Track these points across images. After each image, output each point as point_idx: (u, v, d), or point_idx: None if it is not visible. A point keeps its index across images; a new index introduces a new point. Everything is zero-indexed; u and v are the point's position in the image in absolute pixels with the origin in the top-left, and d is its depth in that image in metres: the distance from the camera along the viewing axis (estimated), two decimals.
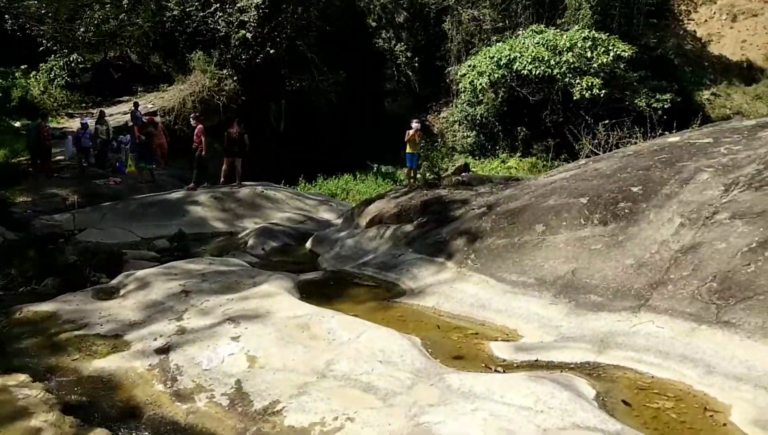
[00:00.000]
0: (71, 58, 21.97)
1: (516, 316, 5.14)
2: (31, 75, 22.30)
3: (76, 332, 4.91)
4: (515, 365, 4.32)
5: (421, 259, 6.45)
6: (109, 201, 11.82)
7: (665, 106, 21.04)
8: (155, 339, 4.64)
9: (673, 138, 8.18)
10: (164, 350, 4.44)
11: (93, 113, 20.19)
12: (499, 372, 4.15)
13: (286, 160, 21.64)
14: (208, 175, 14.12)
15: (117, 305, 5.51)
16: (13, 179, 13.02)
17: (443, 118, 27.93)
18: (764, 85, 26.86)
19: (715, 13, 30.27)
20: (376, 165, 23.19)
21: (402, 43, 28.82)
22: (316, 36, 24.08)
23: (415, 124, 15.12)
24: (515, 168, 21.62)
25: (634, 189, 6.24)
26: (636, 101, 21.70)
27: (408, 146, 14.85)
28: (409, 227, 7.26)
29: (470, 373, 3.99)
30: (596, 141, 15.06)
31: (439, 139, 26.41)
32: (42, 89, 22.21)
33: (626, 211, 5.94)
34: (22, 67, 22.02)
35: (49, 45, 20.45)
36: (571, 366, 4.18)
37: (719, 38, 29.55)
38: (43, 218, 10.37)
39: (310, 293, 5.84)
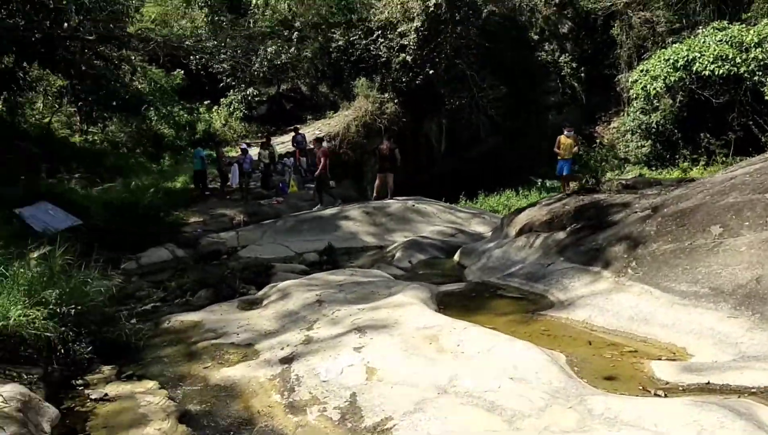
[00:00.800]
0: (248, 92, 23.84)
1: (685, 332, 4.37)
2: (213, 109, 24.54)
3: (213, 341, 4.99)
4: (681, 388, 3.60)
5: (573, 269, 5.83)
6: (271, 220, 12.44)
7: None
8: (282, 348, 4.57)
9: None
10: (288, 360, 4.34)
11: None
12: (659, 396, 3.49)
13: (448, 177, 21.52)
14: (337, 194, 14.56)
15: (256, 315, 5.59)
16: (189, 202, 14.28)
17: (614, 128, 26.26)
18: None
19: None
20: (540, 180, 22.30)
21: (567, 54, 27.63)
22: (476, 53, 23.86)
23: (567, 131, 14.05)
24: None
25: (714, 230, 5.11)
26: None
27: (559, 154, 13.79)
28: (561, 235, 6.65)
29: (619, 396, 3.38)
30: None
31: (610, 151, 24.80)
32: (223, 122, 24.35)
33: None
34: (206, 102, 24.30)
35: (228, 81, 22.43)
36: (753, 390, 3.39)
37: None
38: (211, 236, 11.13)
39: (448, 305, 5.51)
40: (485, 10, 24.19)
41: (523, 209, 8.36)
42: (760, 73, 19.55)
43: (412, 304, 5.01)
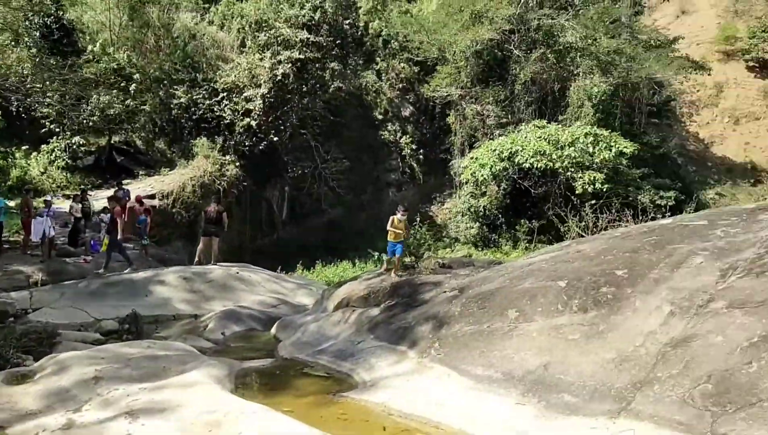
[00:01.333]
0: (73, 141, 22.06)
1: (476, 418, 4.40)
2: (32, 156, 22.37)
3: None
4: None
5: (381, 348, 5.77)
6: (74, 280, 11.26)
7: (669, 204, 20.66)
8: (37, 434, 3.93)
9: (666, 220, 7.62)
10: None
11: (91, 195, 20.01)
12: None
13: (291, 245, 21.18)
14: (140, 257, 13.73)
15: (22, 391, 4.82)
16: None
17: (447, 209, 27.70)
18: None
19: (717, 115, 30.48)
20: (377, 253, 22.68)
21: (408, 135, 29.07)
22: (321, 125, 24.31)
23: (400, 214, 14.46)
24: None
25: (619, 272, 5.65)
26: (639, 197, 21.31)
27: (390, 234, 14.08)
28: (375, 311, 6.62)
29: None
30: (583, 223, 13.96)
31: (442, 229, 26.06)
32: (42, 170, 22.18)
33: (609, 296, 5.32)
34: (24, 147, 22.11)
35: (52, 127, 20.64)
36: None
37: (722, 140, 29.58)
38: None
39: (248, 384, 5.15)
40: (332, 85, 24.88)
41: (345, 283, 8.29)
42: (573, 170, 21.82)
43: (204, 383, 4.59)
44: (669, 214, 17.31)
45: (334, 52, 24.56)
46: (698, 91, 30.71)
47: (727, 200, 25.64)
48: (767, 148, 28.79)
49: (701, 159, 28.32)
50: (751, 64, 31.68)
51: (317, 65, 23.66)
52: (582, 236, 9.46)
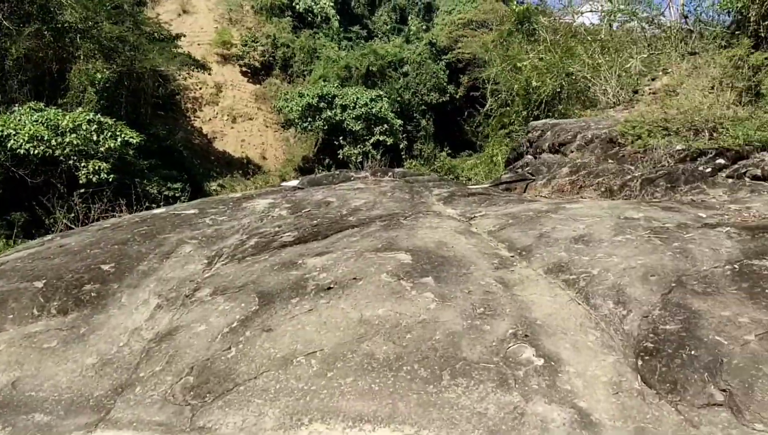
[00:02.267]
0: None
1: None
2: None
3: None
4: None
5: None
6: None
7: (176, 195, 21.52)
8: None
9: (159, 210, 7.92)
10: None
11: None
12: None
13: None
14: None
15: None
16: None
17: None
18: (261, 179, 30.33)
19: (218, 113, 33.13)
20: None
21: None
22: None
23: None
24: None
25: (106, 267, 5.55)
26: (148, 188, 21.53)
27: None
28: None
29: None
30: (73, 215, 13.00)
31: None
32: None
33: (93, 295, 5.14)
34: None
35: None
36: None
37: (222, 136, 32.31)
38: None
39: None
40: None
41: None
42: (75, 158, 20.44)
43: None
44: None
45: None
46: (201, 88, 32.73)
47: (228, 191, 28.19)
48: (259, 145, 32.76)
49: (205, 153, 30.32)
50: (244, 69, 35.46)
51: None
52: (71, 229, 9.00)
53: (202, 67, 28.67)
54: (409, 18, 44.05)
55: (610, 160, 8.82)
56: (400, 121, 28.49)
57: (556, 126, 10.85)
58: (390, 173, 10.55)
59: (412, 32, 39.37)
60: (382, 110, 27.36)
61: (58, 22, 21.26)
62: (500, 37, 18.23)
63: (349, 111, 27.06)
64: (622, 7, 14.92)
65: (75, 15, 20.78)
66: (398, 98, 30.39)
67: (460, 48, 30.16)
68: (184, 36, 28.45)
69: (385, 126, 27.52)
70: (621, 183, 7.91)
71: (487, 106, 19.00)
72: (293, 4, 37.47)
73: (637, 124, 8.89)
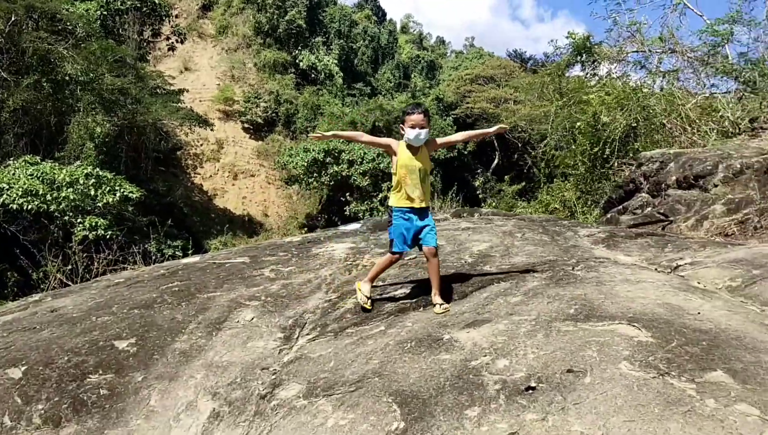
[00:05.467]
0: None
1: None
2: None
3: None
4: None
5: None
6: None
7: (176, 253, 20.45)
8: None
9: (193, 259, 6.48)
10: None
11: None
12: None
13: None
14: None
15: None
16: None
17: None
18: (263, 237, 29.29)
19: (218, 170, 32.38)
20: None
21: None
22: None
23: None
24: None
25: (122, 344, 3.91)
26: (147, 246, 20.39)
27: None
28: None
29: None
30: (70, 268, 10.13)
31: None
32: None
33: (103, 392, 3.41)
34: None
35: None
36: None
37: (223, 193, 31.46)
38: None
39: None
40: None
41: None
42: (71, 214, 19.39)
43: None
44: None
45: None
46: (202, 145, 32.11)
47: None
48: (261, 202, 31.88)
49: (205, 210, 29.34)
50: (246, 125, 35.01)
51: None
52: (67, 286, 7.51)
53: (205, 122, 28.08)
54: (412, 75, 44.35)
55: None
56: None
57: (681, 156, 9.21)
58: (476, 214, 9.02)
59: (418, 88, 39.33)
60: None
61: (58, 73, 20.59)
62: (557, 69, 17.26)
63: (356, 166, 26.33)
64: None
65: (76, 67, 20.13)
66: None
67: (468, 103, 29.80)
68: (187, 91, 27.99)
69: None
70: None
71: (543, 145, 17.85)
72: (296, 61, 37.46)
73: None
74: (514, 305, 4.04)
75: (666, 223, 7.83)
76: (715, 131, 10.93)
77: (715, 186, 7.96)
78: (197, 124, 27.86)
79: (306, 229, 28.32)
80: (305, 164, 26.60)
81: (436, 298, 4.28)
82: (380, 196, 26.37)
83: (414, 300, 4.54)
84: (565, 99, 14.97)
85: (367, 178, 26.29)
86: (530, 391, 2.86)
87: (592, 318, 3.57)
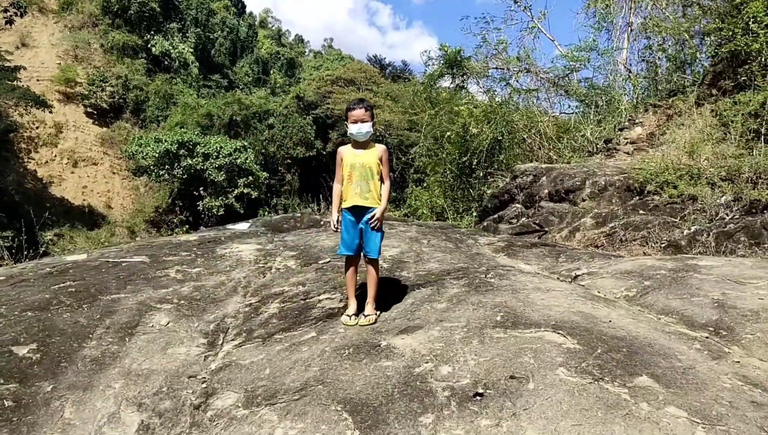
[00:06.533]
0: None
1: None
2: None
3: None
4: None
5: None
6: None
7: (9, 244, 18.55)
8: None
9: (78, 256, 5.97)
10: None
11: None
12: None
13: None
14: None
15: None
16: None
17: None
18: (106, 230, 27.27)
19: (56, 156, 29.63)
20: None
21: None
22: None
23: None
24: None
25: (21, 350, 3.63)
26: None
27: None
28: None
29: None
30: None
31: None
32: None
33: (8, 403, 3.16)
34: None
35: None
36: None
37: (60, 181, 28.84)
38: None
39: None
40: None
41: None
42: None
43: None
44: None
45: None
46: (38, 128, 29.13)
47: (67, 242, 24.83)
48: (104, 193, 29.65)
49: (39, 198, 26.64)
50: (89, 110, 32.33)
51: None
52: None
53: (44, 103, 25.52)
54: (272, 71, 43.56)
55: (640, 211, 7.61)
56: (266, 174, 27.35)
57: (552, 171, 9.57)
58: None
59: (278, 84, 38.79)
60: (248, 161, 26.09)
61: None
62: (430, 80, 17.79)
63: (212, 160, 25.43)
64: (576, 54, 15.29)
65: None
66: (263, 150, 29.30)
67: (329, 104, 30.01)
68: (24, 68, 25.24)
69: (250, 178, 26.21)
70: (688, 237, 6.55)
71: (413, 151, 18.30)
72: (149, 46, 35.28)
73: (658, 172, 7.96)
74: (442, 312, 4.16)
75: (542, 232, 8.19)
76: (569, 149, 12.13)
77: (584, 200, 8.48)
78: (34, 104, 25.28)
79: (153, 223, 26.88)
80: (156, 155, 25.17)
81: (368, 308, 4.26)
82: (236, 192, 25.73)
83: (341, 305, 4.58)
84: (437, 108, 15.69)
85: (222, 172, 25.49)
86: (479, 398, 2.93)
87: (519, 325, 3.74)
